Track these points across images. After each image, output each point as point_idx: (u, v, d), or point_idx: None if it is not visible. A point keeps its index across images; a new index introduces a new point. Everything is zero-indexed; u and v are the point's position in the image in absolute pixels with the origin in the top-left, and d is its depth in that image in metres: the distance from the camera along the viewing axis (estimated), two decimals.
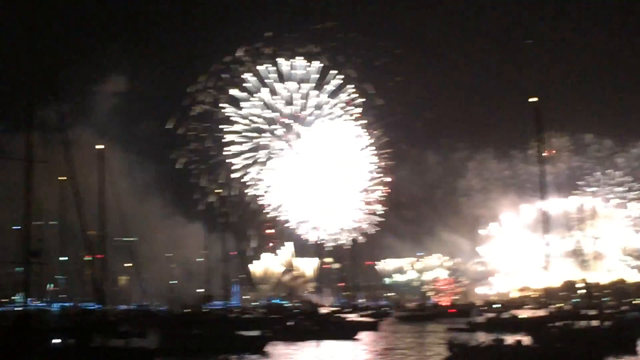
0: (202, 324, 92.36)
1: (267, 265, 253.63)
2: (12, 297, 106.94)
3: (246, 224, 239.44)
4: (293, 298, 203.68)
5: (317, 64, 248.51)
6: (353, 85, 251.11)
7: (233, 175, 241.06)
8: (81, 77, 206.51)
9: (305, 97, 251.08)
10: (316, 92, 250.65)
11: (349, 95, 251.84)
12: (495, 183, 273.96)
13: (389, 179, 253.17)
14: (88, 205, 48.56)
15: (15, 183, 45.41)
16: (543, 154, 53.20)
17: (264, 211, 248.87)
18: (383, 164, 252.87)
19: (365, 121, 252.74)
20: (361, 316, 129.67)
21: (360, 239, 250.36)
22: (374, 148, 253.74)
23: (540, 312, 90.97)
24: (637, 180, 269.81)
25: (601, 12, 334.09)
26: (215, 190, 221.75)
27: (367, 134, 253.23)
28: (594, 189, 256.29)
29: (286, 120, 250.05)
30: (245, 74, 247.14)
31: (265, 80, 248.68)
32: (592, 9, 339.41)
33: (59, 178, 52.22)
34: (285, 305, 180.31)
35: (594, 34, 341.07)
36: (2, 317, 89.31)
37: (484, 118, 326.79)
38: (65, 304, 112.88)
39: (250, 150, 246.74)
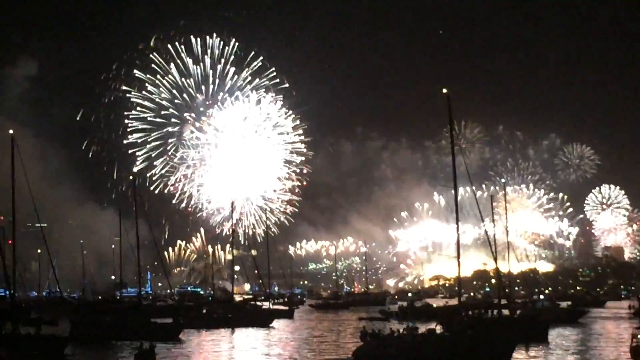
0: (114, 311, 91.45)
1: (181, 252, 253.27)
2: None
3: (160, 211, 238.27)
4: (207, 286, 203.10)
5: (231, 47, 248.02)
6: (267, 73, 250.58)
7: (145, 163, 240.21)
8: None
9: (221, 77, 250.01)
10: (230, 76, 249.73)
11: (263, 82, 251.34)
12: (409, 173, 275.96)
13: (304, 168, 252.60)
14: None
15: None
16: (455, 145, 53.31)
17: (178, 198, 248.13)
18: (299, 153, 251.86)
19: (281, 109, 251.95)
20: (275, 304, 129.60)
21: (275, 227, 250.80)
22: (289, 137, 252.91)
23: (453, 301, 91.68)
24: (547, 171, 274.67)
25: (515, 3, 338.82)
26: (130, 177, 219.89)
27: (282, 122, 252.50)
28: (505, 179, 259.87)
29: (199, 105, 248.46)
30: (158, 60, 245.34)
31: (179, 64, 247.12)
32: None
33: None
34: (200, 292, 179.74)
35: (507, 27, 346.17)
36: None
37: (398, 109, 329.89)
38: None
39: (162, 137, 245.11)
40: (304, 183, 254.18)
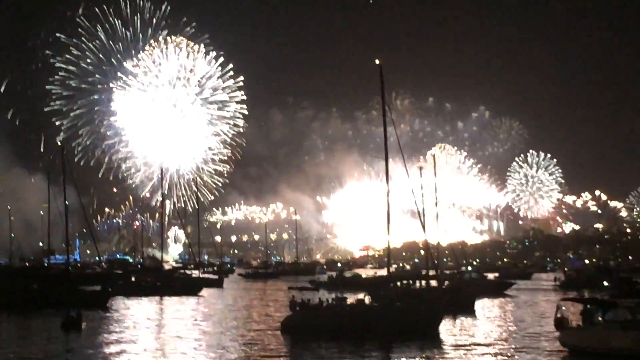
0: (42, 278, 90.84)
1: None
2: None
3: (88, 179, 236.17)
4: (136, 254, 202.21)
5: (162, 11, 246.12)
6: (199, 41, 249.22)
7: (71, 131, 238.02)
8: None
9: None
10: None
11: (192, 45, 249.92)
12: (339, 143, 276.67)
13: (235, 137, 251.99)
14: None
15: None
16: (386, 116, 53.56)
17: (105, 167, 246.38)
18: (230, 122, 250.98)
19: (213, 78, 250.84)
20: (205, 273, 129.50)
21: (205, 196, 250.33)
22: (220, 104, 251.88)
23: (382, 272, 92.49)
24: (476, 144, 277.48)
25: None
26: (58, 143, 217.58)
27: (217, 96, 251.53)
28: (436, 151, 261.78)
29: (126, 71, 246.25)
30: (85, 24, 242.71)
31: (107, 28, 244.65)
32: None
33: None
34: (129, 260, 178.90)
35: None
36: None
37: (328, 79, 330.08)
38: None
39: (88, 104, 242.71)
40: (237, 155, 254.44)
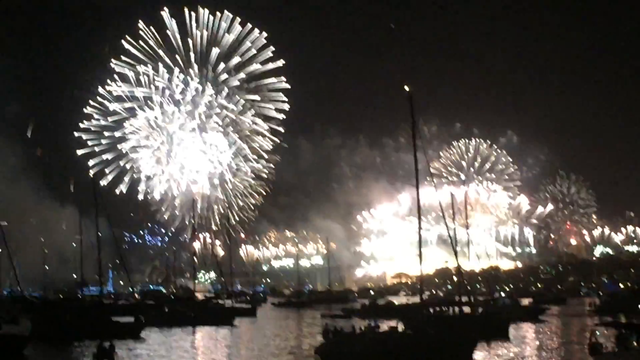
0: (75, 309, 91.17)
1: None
2: None
3: (121, 209, 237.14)
4: (169, 284, 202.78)
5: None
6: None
7: (100, 166, 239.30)
8: None
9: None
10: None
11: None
12: (368, 170, 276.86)
13: (268, 165, 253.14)
14: None
15: None
16: (417, 143, 53.68)
17: (139, 198, 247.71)
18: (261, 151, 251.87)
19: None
20: (237, 302, 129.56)
21: (236, 224, 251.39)
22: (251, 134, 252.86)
23: (415, 299, 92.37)
24: (507, 173, 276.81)
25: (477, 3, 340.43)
26: (91, 175, 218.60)
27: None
28: (465, 178, 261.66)
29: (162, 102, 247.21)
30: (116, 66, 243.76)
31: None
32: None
33: None
34: (162, 291, 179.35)
35: (466, 27, 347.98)
36: None
37: (355, 106, 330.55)
38: None
39: (117, 140, 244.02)
40: (270, 187, 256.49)
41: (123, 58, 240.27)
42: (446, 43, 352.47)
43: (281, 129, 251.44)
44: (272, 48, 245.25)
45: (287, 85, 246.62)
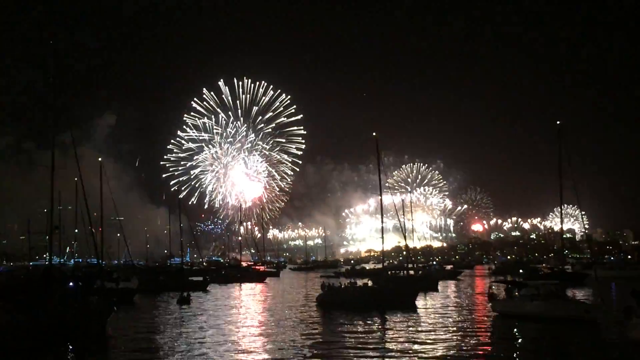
0: (166, 273, 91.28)
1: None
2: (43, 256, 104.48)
3: (194, 210, 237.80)
4: (225, 256, 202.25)
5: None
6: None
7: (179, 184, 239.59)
8: (86, 114, 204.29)
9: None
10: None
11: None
12: (349, 185, 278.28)
13: (288, 183, 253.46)
14: (90, 197, 47.85)
15: (43, 183, 44.76)
16: (380, 168, 54.35)
17: (208, 203, 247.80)
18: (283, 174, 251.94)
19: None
20: (267, 268, 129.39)
21: (267, 219, 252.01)
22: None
23: (379, 266, 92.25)
24: (438, 186, 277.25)
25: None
26: (170, 192, 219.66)
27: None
28: (410, 189, 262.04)
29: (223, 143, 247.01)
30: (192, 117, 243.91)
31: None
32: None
33: (75, 179, 51.66)
34: (220, 261, 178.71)
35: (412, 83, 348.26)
36: (36, 269, 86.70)
37: (340, 145, 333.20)
38: (79, 260, 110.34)
39: (193, 167, 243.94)
40: (288, 196, 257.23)
41: (193, 113, 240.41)
42: (400, 104, 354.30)
43: (298, 161, 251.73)
44: (294, 106, 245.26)
45: (303, 132, 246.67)
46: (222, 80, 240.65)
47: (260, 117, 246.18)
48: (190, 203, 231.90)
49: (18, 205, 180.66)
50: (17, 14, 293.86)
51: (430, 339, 31.88)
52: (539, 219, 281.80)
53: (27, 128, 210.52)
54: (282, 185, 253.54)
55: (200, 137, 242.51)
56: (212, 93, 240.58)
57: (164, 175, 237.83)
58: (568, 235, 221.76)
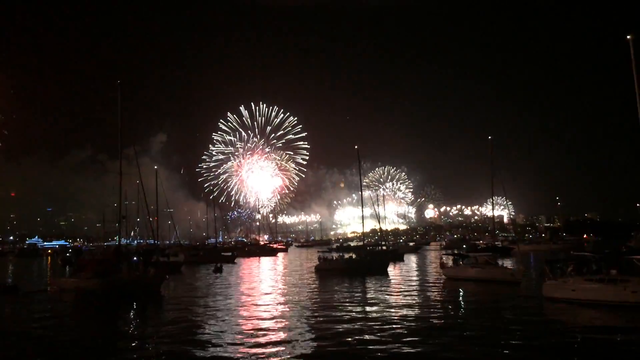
0: (204, 249, 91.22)
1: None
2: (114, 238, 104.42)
3: (225, 206, 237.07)
4: (248, 237, 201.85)
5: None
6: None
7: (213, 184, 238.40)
8: (145, 133, 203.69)
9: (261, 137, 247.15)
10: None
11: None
12: (338, 184, 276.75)
13: (293, 184, 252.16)
14: (148, 194, 48.05)
15: (114, 184, 44.90)
16: (360, 171, 55.08)
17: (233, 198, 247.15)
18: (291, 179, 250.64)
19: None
20: (279, 245, 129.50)
21: (279, 209, 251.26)
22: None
23: (360, 243, 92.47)
24: (404, 184, 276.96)
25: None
26: (205, 191, 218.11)
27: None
28: (383, 186, 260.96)
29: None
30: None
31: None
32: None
33: (137, 182, 51.77)
34: (244, 240, 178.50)
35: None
36: (109, 248, 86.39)
37: (332, 154, 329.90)
38: (140, 241, 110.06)
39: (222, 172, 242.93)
40: (294, 193, 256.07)
41: (220, 132, 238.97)
42: (375, 123, 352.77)
43: (303, 168, 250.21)
44: (300, 126, 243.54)
45: (307, 146, 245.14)
46: (242, 106, 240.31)
47: (272, 135, 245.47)
48: (220, 201, 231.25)
49: (94, 202, 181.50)
50: (91, 53, 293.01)
51: (397, 294, 32.07)
52: (477, 207, 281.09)
53: (101, 143, 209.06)
54: (289, 185, 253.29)
55: (227, 150, 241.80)
56: (234, 116, 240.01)
57: (199, 180, 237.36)
58: (498, 219, 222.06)
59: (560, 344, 17.97)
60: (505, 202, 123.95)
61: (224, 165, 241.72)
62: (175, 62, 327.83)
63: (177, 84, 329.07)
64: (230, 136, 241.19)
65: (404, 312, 25.21)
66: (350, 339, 19.11)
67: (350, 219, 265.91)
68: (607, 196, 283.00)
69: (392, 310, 25.87)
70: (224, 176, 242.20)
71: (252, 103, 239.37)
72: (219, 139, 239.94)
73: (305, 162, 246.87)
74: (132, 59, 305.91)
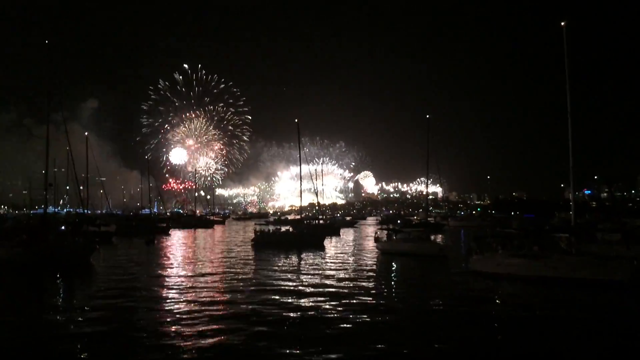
0: (138, 220, 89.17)
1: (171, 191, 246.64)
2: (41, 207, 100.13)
3: (160, 173, 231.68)
4: (184, 209, 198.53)
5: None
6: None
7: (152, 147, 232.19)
8: (74, 97, 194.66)
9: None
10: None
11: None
12: (277, 158, 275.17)
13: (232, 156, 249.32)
14: (78, 162, 46.35)
15: (41, 150, 43.05)
16: (300, 145, 54.75)
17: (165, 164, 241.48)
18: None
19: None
20: (216, 217, 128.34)
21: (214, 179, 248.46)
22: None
23: (298, 217, 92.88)
24: (343, 160, 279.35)
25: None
26: (141, 160, 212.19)
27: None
28: (322, 162, 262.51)
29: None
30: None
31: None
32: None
33: (66, 148, 49.68)
34: (181, 212, 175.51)
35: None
36: (35, 216, 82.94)
37: (272, 129, 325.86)
38: (69, 210, 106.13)
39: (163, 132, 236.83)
40: (234, 166, 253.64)
41: (155, 97, 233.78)
42: (315, 98, 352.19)
43: (243, 143, 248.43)
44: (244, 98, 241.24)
45: (250, 118, 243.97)
46: (176, 72, 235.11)
47: (206, 98, 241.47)
48: (157, 169, 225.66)
49: (20, 168, 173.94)
50: (20, 17, 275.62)
51: (333, 267, 32.59)
52: (412, 184, 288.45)
53: (27, 107, 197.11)
54: (227, 155, 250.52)
55: (161, 118, 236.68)
56: (167, 83, 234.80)
57: (132, 145, 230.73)
58: (432, 196, 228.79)
59: (481, 314, 18.90)
60: (439, 180, 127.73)
61: (160, 134, 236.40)
62: (111, 26, 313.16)
63: (109, 47, 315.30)
64: (165, 102, 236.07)
65: (335, 284, 25.68)
66: (276, 311, 19.29)
67: (288, 193, 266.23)
68: (536, 177, 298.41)
69: (326, 281, 26.29)
70: (159, 143, 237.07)
71: (185, 65, 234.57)
72: (153, 105, 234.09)
73: (246, 137, 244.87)
74: (62, 22, 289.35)
